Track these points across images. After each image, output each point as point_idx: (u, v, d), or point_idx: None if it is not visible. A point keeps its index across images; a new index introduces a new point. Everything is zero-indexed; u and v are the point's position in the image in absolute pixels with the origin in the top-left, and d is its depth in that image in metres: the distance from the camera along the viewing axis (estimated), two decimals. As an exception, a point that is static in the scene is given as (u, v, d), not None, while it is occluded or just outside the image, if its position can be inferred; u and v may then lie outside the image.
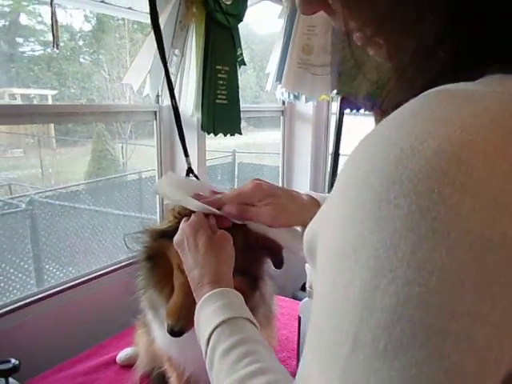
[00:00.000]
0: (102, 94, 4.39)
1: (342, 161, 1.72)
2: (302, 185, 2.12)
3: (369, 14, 0.35)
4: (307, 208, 0.70)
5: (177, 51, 1.31)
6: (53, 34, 1.02)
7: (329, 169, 1.97)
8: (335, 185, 0.32)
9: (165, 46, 1.29)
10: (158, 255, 0.76)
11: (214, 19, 1.29)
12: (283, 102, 2.01)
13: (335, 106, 1.76)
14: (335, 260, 0.30)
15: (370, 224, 0.28)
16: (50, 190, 3.12)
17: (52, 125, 3.84)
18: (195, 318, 0.56)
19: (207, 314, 0.54)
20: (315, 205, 0.70)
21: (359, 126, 2.43)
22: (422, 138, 0.27)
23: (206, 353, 0.51)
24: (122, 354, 1.16)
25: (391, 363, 0.26)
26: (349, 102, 1.41)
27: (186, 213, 0.71)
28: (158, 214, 1.61)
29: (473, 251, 0.25)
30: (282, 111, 2.03)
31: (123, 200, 3.13)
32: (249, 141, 5.02)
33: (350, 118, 1.75)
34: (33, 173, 3.87)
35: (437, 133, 0.27)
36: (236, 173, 3.82)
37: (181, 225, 0.67)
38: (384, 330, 0.27)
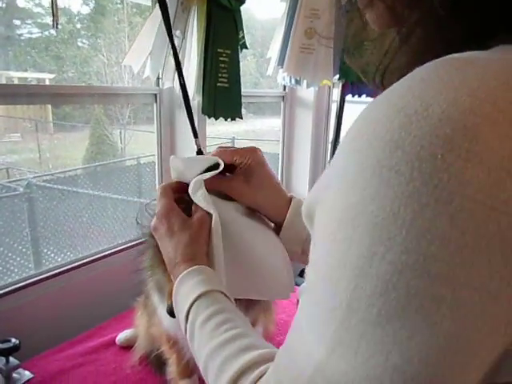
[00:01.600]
0: (100, 78, 4.35)
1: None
2: (302, 172, 2.11)
3: None
4: (280, 198, 0.70)
5: (178, 33, 1.29)
6: (53, 13, 1.00)
7: (328, 157, 1.97)
8: (337, 151, 0.32)
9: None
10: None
11: (216, 1, 1.28)
12: (284, 88, 2.00)
13: (336, 93, 1.74)
14: (333, 226, 0.30)
15: (370, 190, 0.27)
16: (48, 174, 3.11)
17: (50, 109, 3.81)
18: (174, 298, 0.56)
19: (184, 291, 0.54)
20: (288, 202, 0.70)
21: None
22: (428, 103, 0.27)
23: (185, 329, 0.52)
24: (122, 336, 1.17)
25: (383, 329, 0.27)
26: (351, 88, 1.40)
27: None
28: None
29: (474, 220, 0.25)
30: (283, 97, 2.01)
31: (121, 185, 3.12)
32: (248, 128, 5.01)
33: (350, 106, 1.74)
34: (30, 157, 3.85)
35: (443, 98, 0.26)
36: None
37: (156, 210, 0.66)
38: (378, 297, 0.27)
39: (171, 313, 0.66)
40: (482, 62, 0.28)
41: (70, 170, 3.26)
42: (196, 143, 0.86)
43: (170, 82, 1.33)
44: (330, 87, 1.87)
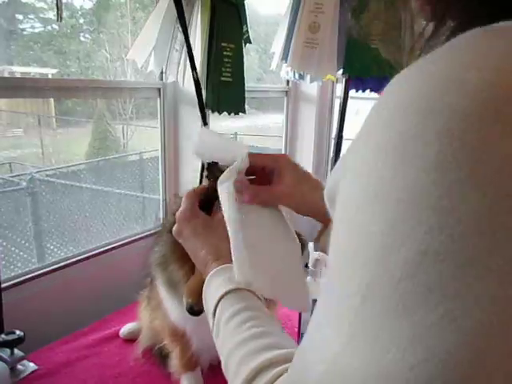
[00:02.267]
0: (103, 73, 4.34)
1: (345, 145, 1.71)
2: (305, 167, 2.10)
3: None
4: (319, 194, 0.68)
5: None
6: (57, 7, 1.00)
7: (331, 153, 1.97)
8: (359, 130, 0.29)
9: (169, 21, 1.27)
10: None
11: (221, -5, 1.28)
12: (287, 83, 1.99)
13: (339, 89, 1.74)
14: (353, 208, 0.27)
15: (394, 165, 0.25)
16: (51, 169, 3.11)
17: (52, 104, 3.81)
18: (203, 296, 0.56)
19: (213, 289, 0.55)
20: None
21: (363, 110, 2.41)
22: (466, 69, 0.24)
23: (212, 325, 0.52)
24: (125, 329, 1.18)
25: (402, 320, 0.24)
26: (355, 82, 1.39)
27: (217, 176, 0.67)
28: (160, 193, 1.61)
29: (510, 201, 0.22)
30: (286, 92, 2.01)
31: (124, 180, 3.13)
32: (250, 124, 5.00)
33: (354, 102, 1.73)
34: (33, 152, 3.86)
35: (484, 64, 0.23)
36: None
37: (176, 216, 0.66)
38: (399, 283, 0.24)
39: (191, 310, 0.67)
40: None
41: (73, 165, 3.26)
42: None
43: (174, 76, 1.33)
44: (333, 82, 1.86)
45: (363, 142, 0.28)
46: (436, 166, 0.23)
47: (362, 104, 2.01)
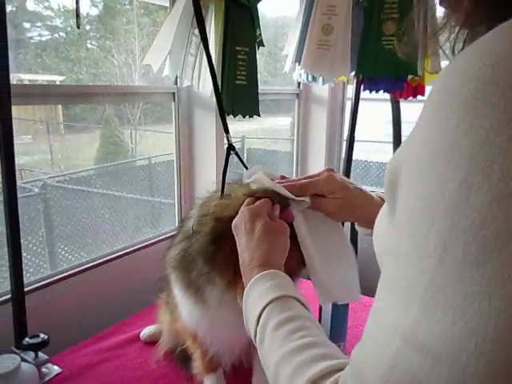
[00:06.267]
0: (110, 78, 4.36)
1: (356, 146, 1.70)
2: (316, 170, 2.11)
3: None
4: (375, 204, 0.70)
5: (196, 31, 1.30)
6: (77, 15, 1.01)
7: (343, 155, 1.97)
8: (422, 110, 0.33)
9: (184, 26, 1.28)
10: (223, 238, 0.76)
11: (234, -2, 1.28)
12: (298, 85, 2.00)
13: (351, 90, 1.74)
14: (424, 173, 0.30)
15: (464, 127, 0.28)
16: (63, 175, 3.13)
17: (60, 110, 3.83)
18: (243, 300, 0.56)
19: (256, 294, 0.54)
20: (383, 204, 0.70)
21: (374, 111, 2.41)
22: None
23: (255, 331, 0.51)
24: (146, 331, 1.18)
25: (483, 268, 0.25)
26: (368, 83, 1.40)
27: (251, 193, 0.73)
28: (175, 198, 1.61)
29: None
30: (297, 94, 2.02)
31: (133, 184, 3.14)
32: (257, 126, 5.00)
33: (364, 104, 1.73)
34: (42, 158, 3.86)
35: None
36: (245, 158, 3.82)
37: (241, 208, 0.68)
38: (476, 231, 0.26)
39: None
40: None
41: (83, 171, 3.28)
42: (227, 138, 0.87)
43: (189, 81, 1.34)
44: (344, 83, 1.87)
45: (432, 113, 0.31)
46: (503, 121, 0.27)
47: (374, 105, 2.01)
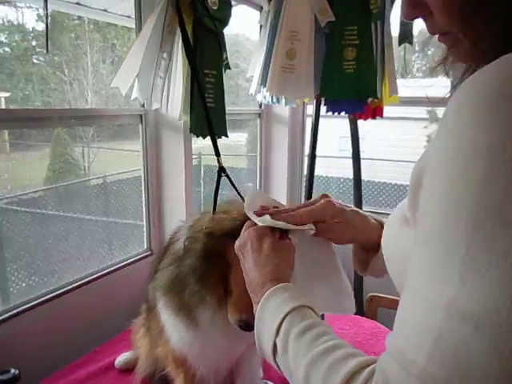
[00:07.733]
0: (58, 95, 4.22)
1: (318, 163, 1.77)
2: (280, 187, 2.16)
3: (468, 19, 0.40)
4: (372, 225, 0.74)
5: (165, 55, 1.32)
6: (46, 38, 1.00)
7: (305, 171, 2.03)
8: (438, 127, 0.37)
9: (153, 48, 1.29)
10: (215, 254, 0.78)
11: (202, 23, 1.31)
12: (260, 105, 2.06)
13: (311, 109, 1.81)
14: (449, 164, 0.34)
15: (489, 121, 0.32)
16: (11, 197, 2.97)
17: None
18: (258, 314, 0.58)
19: (273, 306, 0.56)
20: (379, 225, 0.74)
21: (328, 127, 2.51)
22: None
23: (274, 342, 0.52)
24: (121, 359, 1.16)
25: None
26: (330, 105, 1.47)
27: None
28: (144, 219, 1.59)
29: None
30: (259, 114, 2.07)
31: (88, 204, 3.04)
32: (211, 143, 5.01)
33: (324, 120, 1.81)
34: (-15, 179, 3.65)
35: None
36: (202, 175, 3.82)
37: (246, 229, 0.70)
38: (504, 199, 0.30)
39: (247, 326, 0.70)
40: None
41: (37, 191, 3.13)
42: (218, 161, 0.90)
43: (158, 103, 1.35)
44: (304, 103, 1.94)
45: (453, 121, 0.36)
46: None
47: (328, 121, 2.10)
